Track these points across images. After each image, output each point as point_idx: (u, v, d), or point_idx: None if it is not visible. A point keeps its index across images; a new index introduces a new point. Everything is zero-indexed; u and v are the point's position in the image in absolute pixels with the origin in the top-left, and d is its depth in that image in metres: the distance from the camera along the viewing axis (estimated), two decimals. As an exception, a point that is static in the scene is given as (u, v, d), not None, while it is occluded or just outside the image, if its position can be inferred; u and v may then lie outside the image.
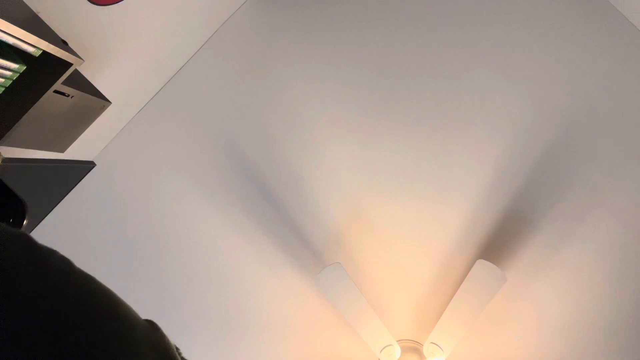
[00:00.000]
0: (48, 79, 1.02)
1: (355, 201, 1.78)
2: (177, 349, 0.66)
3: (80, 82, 1.24)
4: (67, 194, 1.82)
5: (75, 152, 1.56)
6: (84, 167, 1.81)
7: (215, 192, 1.82)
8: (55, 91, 1.06)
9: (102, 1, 1.27)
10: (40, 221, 1.78)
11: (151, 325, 0.46)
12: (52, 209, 1.81)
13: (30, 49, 0.95)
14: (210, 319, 1.82)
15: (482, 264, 1.49)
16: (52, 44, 0.94)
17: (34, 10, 1.01)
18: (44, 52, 0.96)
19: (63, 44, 0.99)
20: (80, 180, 1.83)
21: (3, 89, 1.02)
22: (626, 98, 1.67)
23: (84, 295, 0.40)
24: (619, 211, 1.65)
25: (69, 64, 1.01)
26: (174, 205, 1.84)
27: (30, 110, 1.02)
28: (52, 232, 1.79)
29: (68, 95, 1.14)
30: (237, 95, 1.86)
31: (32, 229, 1.73)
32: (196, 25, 1.80)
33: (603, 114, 1.68)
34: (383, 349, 1.58)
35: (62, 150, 1.37)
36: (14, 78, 1.01)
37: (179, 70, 1.89)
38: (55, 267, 0.40)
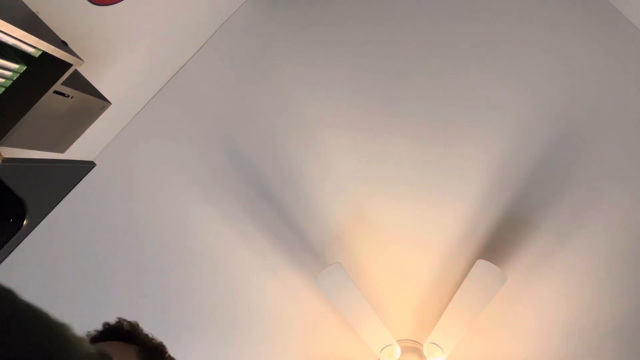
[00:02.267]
0: (48, 79, 1.01)
1: (355, 201, 1.78)
2: (163, 346, 0.66)
3: (80, 83, 1.24)
4: (67, 194, 1.82)
5: (75, 152, 1.55)
6: (84, 167, 1.80)
7: (215, 191, 1.82)
8: (55, 92, 1.06)
9: (102, 1, 1.27)
10: (40, 221, 1.78)
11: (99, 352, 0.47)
12: (52, 209, 1.80)
13: (29, 50, 0.94)
14: (210, 318, 1.82)
15: (482, 264, 1.49)
16: (52, 44, 0.93)
17: (34, 11, 1.01)
18: (44, 53, 0.96)
19: (63, 45, 0.99)
20: (80, 180, 1.83)
21: (3, 89, 1.02)
22: (626, 98, 1.67)
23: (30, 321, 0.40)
24: (618, 212, 1.65)
25: (69, 65, 1.01)
26: (174, 205, 1.84)
27: (30, 111, 1.02)
28: (52, 232, 1.79)
29: (68, 96, 1.14)
30: (237, 95, 1.86)
31: (32, 229, 1.73)
32: (196, 25, 1.80)
33: (603, 114, 1.68)
34: (383, 349, 1.58)
35: (62, 151, 1.37)
36: (14, 78, 1.01)
37: (179, 71, 1.88)
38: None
